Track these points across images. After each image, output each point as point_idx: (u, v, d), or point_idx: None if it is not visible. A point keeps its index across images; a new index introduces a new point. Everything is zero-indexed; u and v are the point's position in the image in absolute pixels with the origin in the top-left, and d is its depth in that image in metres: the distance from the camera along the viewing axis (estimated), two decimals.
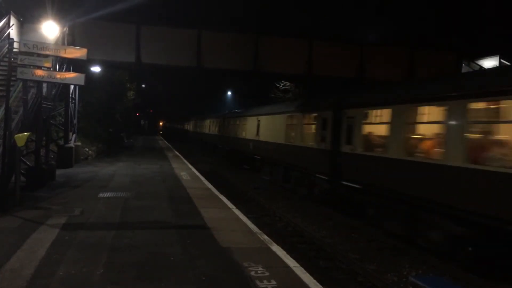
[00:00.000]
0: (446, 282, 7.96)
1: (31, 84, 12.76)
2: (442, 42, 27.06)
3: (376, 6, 36.70)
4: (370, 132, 11.96)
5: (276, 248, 7.33)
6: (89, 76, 20.57)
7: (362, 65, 19.70)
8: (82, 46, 14.12)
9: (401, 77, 19.33)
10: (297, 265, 6.53)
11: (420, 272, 8.54)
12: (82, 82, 12.98)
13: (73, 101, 19.58)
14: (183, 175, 17.08)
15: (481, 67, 19.13)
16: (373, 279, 8.14)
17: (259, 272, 6.05)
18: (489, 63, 18.98)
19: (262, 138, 20.91)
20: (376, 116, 11.79)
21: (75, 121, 19.91)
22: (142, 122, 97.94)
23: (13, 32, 15.64)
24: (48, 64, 11.75)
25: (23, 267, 5.90)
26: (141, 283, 5.55)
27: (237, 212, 10.37)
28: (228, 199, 12.06)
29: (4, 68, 13.17)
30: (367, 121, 11.91)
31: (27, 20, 17.11)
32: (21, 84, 12.00)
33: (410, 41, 24.09)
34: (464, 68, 19.87)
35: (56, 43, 15.33)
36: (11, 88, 11.01)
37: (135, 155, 26.96)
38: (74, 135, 19.46)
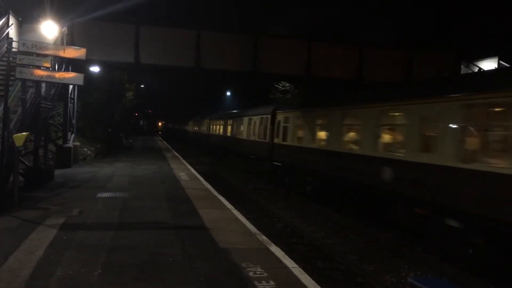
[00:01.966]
0: (445, 283, 7.97)
1: (30, 84, 12.73)
2: (441, 43, 27.11)
3: (375, 6, 36.75)
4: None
5: (274, 249, 7.32)
6: (88, 76, 20.54)
7: (362, 65, 19.68)
8: (81, 46, 14.06)
9: (401, 78, 19.32)
10: (296, 265, 6.52)
11: (419, 273, 8.54)
12: (81, 82, 12.98)
13: (72, 101, 19.55)
14: (182, 175, 17.07)
15: (480, 68, 19.12)
16: (372, 280, 8.14)
17: (257, 272, 6.04)
18: (488, 64, 18.96)
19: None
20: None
21: (73, 121, 19.87)
22: (141, 123, 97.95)
23: (12, 31, 15.58)
24: (47, 64, 11.73)
25: (21, 268, 5.88)
26: (140, 283, 5.53)
27: (236, 212, 10.36)
28: (227, 200, 12.05)
29: (3, 67, 13.13)
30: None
31: (26, 20, 17.04)
32: (20, 83, 11.97)
33: (409, 42, 24.12)
34: (463, 70, 19.85)
35: (55, 43, 15.29)
36: (10, 88, 10.99)
37: (134, 156, 26.95)
38: (72, 135, 19.43)
